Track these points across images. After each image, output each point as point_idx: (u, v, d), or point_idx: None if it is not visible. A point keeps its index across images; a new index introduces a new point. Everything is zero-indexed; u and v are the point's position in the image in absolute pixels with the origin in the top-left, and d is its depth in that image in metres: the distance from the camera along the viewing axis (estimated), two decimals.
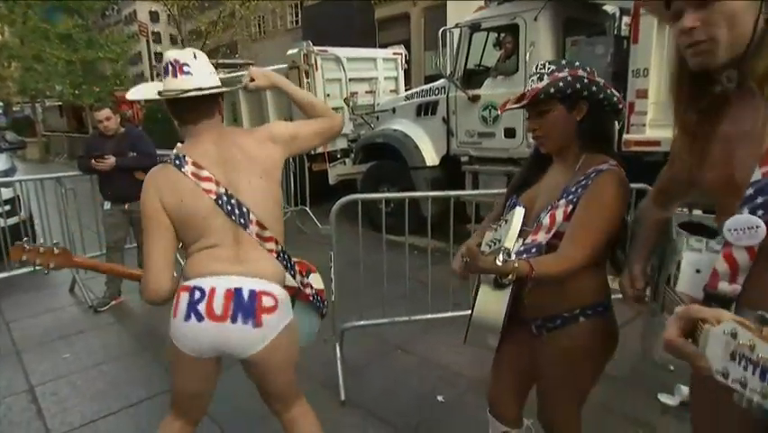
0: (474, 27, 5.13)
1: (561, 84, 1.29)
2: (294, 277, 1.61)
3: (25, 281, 4.25)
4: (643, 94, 3.98)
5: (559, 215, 1.29)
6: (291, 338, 1.56)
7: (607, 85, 1.34)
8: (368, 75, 7.51)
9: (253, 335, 1.44)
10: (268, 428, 2.31)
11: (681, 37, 0.90)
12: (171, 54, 1.47)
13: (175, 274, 1.55)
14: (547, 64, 1.35)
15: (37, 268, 1.75)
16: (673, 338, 0.71)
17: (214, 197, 1.45)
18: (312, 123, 1.66)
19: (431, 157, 5.70)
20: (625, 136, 4.08)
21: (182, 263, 1.58)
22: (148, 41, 19.78)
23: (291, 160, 6.01)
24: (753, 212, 0.86)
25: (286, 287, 1.55)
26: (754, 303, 0.82)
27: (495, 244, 1.14)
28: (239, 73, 7.98)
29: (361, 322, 2.97)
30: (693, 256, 0.96)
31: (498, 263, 1.12)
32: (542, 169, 1.48)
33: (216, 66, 1.64)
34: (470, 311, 1.56)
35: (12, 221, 4.37)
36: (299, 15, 23.27)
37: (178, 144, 1.56)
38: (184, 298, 1.43)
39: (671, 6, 0.94)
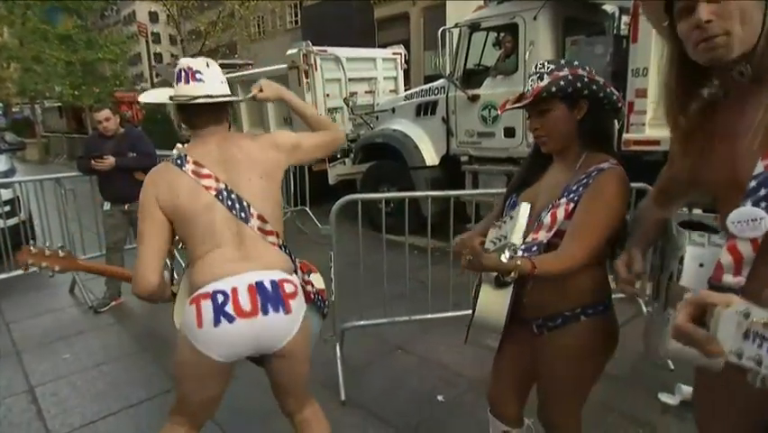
0: (473, 27, 5.13)
1: (562, 83, 1.29)
2: (296, 272, 1.62)
3: (25, 282, 4.25)
4: (642, 93, 3.97)
5: (560, 213, 1.29)
6: (309, 324, 1.58)
7: (606, 84, 1.34)
8: (367, 75, 7.51)
9: (286, 322, 1.45)
10: (268, 427, 2.31)
11: (695, 32, 0.90)
12: (185, 61, 1.54)
13: (166, 275, 1.56)
14: (547, 63, 1.35)
15: (42, 270, 1.77)
16: (683, 324, 0.71)
17: (214, 192, 1.47)
18: (315, 135, 1.72)
19: (431, 157, 5.70)
20: (624, 135, 4.07)
21: (182, 263, 1.59)
22: (147, 42, 19.80)
23: None
24: (756, 204, 0.87)
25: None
26: (759, 295, 0.82)
27: (500, 241, 1.14)
28: (239, 73, 7.98)
29: (361, 322, 2.97)
30: (696, 250, 0.96)
31: (504, 260, 1.12)
32: (541, 168, 1.48)
33: None
34: (470, 311, 1.56)
35: (11, 222, 4.37)
36: (299, 15, 23.26)
37: (178, 145, 1.58)
38: (206, 305, 1.40)
39: (674, 6, 0.94)
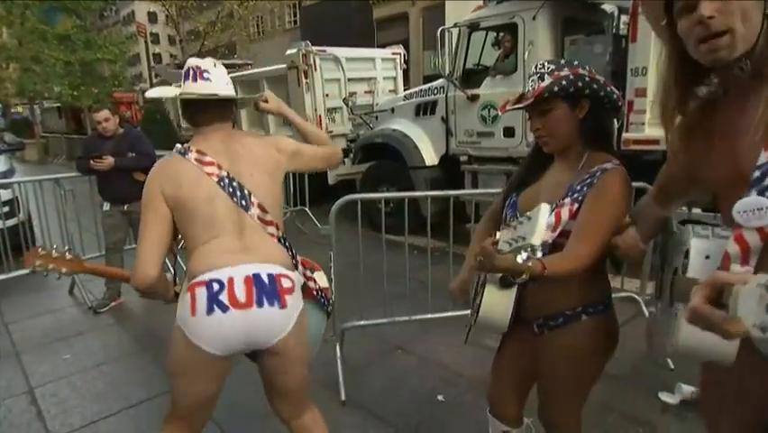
0: (473, 27, 5.13)
1: (564, 82, 1.29)
2: (296, 267, 1.61)
3: (24, 283, 4.24)
4: (642, 92, 3.98)
5: (564, 213, 1.29)
6: (306, 324, 1.57)
7: (607, 82, 1.35)
8: (367, 75, 7.51)
9: (280, 317, 1.44)
10: (268, 427, 2.31)
11: (696, 28, 0.90)
12: (193, 61, 1.58)
13: (169, 276, 1.56)
14: (547, 64, 1.35)
15: (50, 272, 1.79)
16: (700, 305, 0.70)
17: (216, 179, 1.48)
18: (316, 147, 1.77)
19: (430, 157, 5.70)
20: (624, 135, 4.08)
21: (184, 267, 1.59)
22: (146, 42, 19.79)
23: None
24: (761, 194, 0.87)
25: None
26: None
27: (516, 242, 1.13)
28: (238, 73, 7.98)
29: (361, 322, 2.97)
30: (701, 243, 0.97)
31: (520, 261, 1.11)
32: (541, 168, 1.48)
33: None
34: (469, 311, 1.56)
35: (10, 223, 4.36)
36: (298, 15, 23.24)
37: (177, 146, 1.58)
38: (201, 293, 1.39)
39: (674, 4, 0.94)
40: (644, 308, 3.32)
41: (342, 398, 2.59)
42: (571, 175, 1.36)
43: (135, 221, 3.70)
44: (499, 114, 1.43)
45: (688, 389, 2.42)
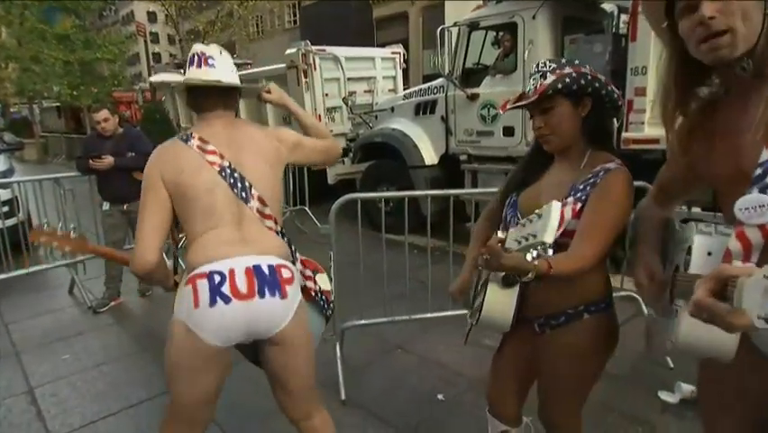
0: (472, 26, 5.13)
1: (567, 80, 1.30)
2: (294, 263, 1.60)
3: (24, 283, 4.25)
4: (641, 92, 3.97)
5: (568, 212, 1.29)
6: (306, 315, 1.57)
7: (607, 81, 1.35)
8: (366, 74, 7.51)
9: (281, 307, 1.45)
10: (268, 427, 2.31)
11: (698, 28, 0.90)
12: (199, 47, 1.58)
13: (170, 263, 1.56)
14: (548, 62, 1.35)
15: (54, 250, 1.81)
16: (704, 298, 0.70)
17: (218, 168, 1.48)
18: (316, 140, 1.76)
19: (430, 156, 5.69)
20: (623, 134, 4.07)
21: (183, 266, 1.58)
22: (146, 42, 19.74)
23: None
24: (762, 191, 0.88)
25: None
26: None
27: (526, 240, 1.12)
28: (239, 72, 7.97)
29: (361, 321, 2.97)
30: (704, 239, 0.96)
31: (530, 259, 1.11)
32: (541, 167, 1.48)
33: None
34: (467, 310, 1.56)
35: (10, 222, 4.36)
36: (297, 15, 23.25)
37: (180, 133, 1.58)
38: (203, 284, 1.39)
39: (675, 6, 0.94)
40: (643, 307, 3.31)
41: (342, 397, 2.59)
42: (572, 174, 1.36)
43: (134, 220, 3.68)
44: (501, 112, 1.42)
45: (687, 388, 2.42)
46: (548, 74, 1.32)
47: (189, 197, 1.45)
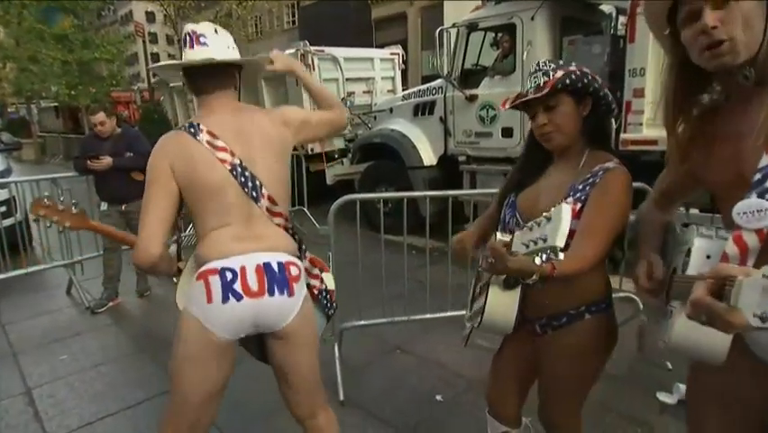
0: (471, 27, 5.14)
1: (574, 76, 1.31)
2: (301, 259, 1.61)
3: (22, 283, 4.23)
4: (640, 93, 3.98)
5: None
6: (311, 311, 1.59)
7: (603, 84, 1.37)
8: (365, 75, 7.51)
9: (289, 304, 1.48)
10: (269, 427, 2.31)
11: (700, 37, 0.91)
12: (190, 26, 1.52)
13: (173, 249, 1.56)
14: (548, 62, 1.36)
15: (54, 224, 1.81)
16: (701, 297, 0.71)
17: (229, 167, 1.45)
18: (321, 112, 1.74)
19: (428, 157, 5.70)
20: (622, 135, 4.08)
21: (182, 266, 1.58)
22: (144, 42, 19.72)
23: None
24: (761, 196, 0.88)
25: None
26: None
27: (536, 243, 1.12)
28: None
29: (360, 322, 2.97)
30: (704, 242, 0.97)
31: (538, 262, 1.11)
32: (538, 169, 1.48)
33: None
34: (466, 312, 1.56)
35: (7, 222, 4.36)
36: (296, 16, 23.26)
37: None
38: (215, 281, 1.40)
39: (678, 13, 0.95)
40: (641, 307, 3.32)
41: (341, 398, 2.59)
42: (571, 174, 1.36)
43: (133, 221, 3.69)
44: (503, 109, 1.42)
45: (685, 388, 2.42)
46: (549, 72, 1.33)
47: (201, 193, 1.45)
